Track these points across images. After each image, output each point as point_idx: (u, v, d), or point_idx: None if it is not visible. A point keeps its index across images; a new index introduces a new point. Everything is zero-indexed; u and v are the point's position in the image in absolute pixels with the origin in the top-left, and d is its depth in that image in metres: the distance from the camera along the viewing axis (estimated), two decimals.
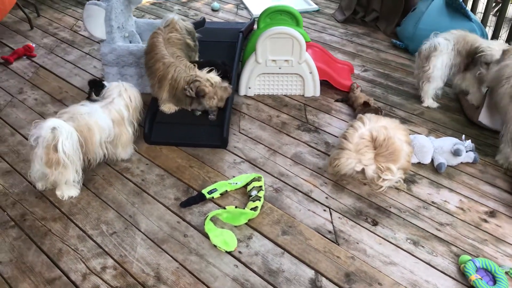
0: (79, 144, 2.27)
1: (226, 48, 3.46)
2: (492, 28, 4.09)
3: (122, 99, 2.58)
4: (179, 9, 4.98)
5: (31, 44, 3.97)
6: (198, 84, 2.69)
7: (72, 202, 2.39)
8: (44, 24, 4.54)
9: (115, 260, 2.08)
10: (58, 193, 2.40)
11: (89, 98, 2.86)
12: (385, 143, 2.46)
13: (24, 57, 3.87)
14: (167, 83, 2.78)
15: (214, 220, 2.27)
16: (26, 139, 2.86)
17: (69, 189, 2.40)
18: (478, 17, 4.16)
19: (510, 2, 4.01)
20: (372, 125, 2.53)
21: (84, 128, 2.32)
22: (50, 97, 3.32)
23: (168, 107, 2.92)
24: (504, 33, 3.98)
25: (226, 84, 2.82)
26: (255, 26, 3.95)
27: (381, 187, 2.48)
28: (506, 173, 2.63)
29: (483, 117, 2.93)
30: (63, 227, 2.25)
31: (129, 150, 2.68)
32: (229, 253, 2.13)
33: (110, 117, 2.47)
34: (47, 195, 2.44)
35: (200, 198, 2.41)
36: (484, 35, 3.77)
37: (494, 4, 4.32)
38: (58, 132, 2.16)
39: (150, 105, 2.95)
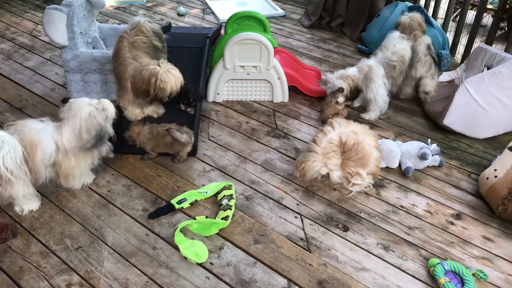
0: (24, 160, 2.09)
1: (193, 53, 3.41)
2: (452, 34, 4.22)
3: (69, 125, 2.26)
4: (144, 14, 4.88)
5: None
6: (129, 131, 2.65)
7: (34, 216, 2.28)
8: (1, 29, 4.35)
9: (81, 276, 2.00)
10: (16, 209, 2.26)
11: None
12: (354, 148, 2.48)
13: None
14: (127, 82, 2.71)
15: (184, 231, 2.22)
16: None
17: (28, 202, 2.27)
18: (439, 22, 4.28)
19: (469, 8, 4.15)
20: (341, 129, 2.55)
21: (27, 143, 2.13)
22: (9, 106, 3.17)
23: (134, 114, 2.84)
24: (464, 38, 4.11)
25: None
26: (222, 31, 3.92)
27: (351, 191, 2.50)
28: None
29: (449, 120, 3.00)
30: (24, 243, 2.14)
31: (72, 182, 2.39)
32: (200, 264, 2.08)
33: (55, 141, 2.22)
34: (6, 210, 2.31)
35: (169, 209, 2.35)
36: (445, 41, 3.88)
37: (453, 10, 4.45)
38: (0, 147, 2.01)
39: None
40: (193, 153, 2.75)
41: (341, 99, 3.05)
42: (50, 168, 2.25)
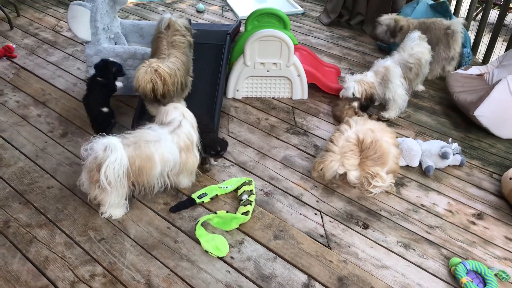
0: (127, 174, 2.11)
1: (213, 50, 3.43)
2: (474, 33, 4.17)
3: (188, 121, 2.37)
4: (163, 10, 4.92)
5: (11, 44, 3.86)
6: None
7: (58, 208, 2.33)
8: (24, 24, 4.43)
9: (104, 268, 2.03)
10: (101, 209, 2.27)
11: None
12: (372, 146, 2.47)
13: (4, 58, 3.76)
14: None
15: (204, 225, 2.24)
16: (8, 142, 2.78)
17: (113, 209, 2.27)
18: None
19: (491, 7, 4.09)
20: (358, 127, 2.55)
21: (143, 158, 2.15)
22: (33, 100, 3.23)
23: (154, 109, 2.86)
24: (486, 38, 4.06)
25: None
26: (242, 28, 3.94)
27: (371, 192, 2.49)
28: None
29: (480, 112, 2.93)
30: (49, 234, 2.19)
31: (193, 177, 2.49)
32: (221, 258, 2.10)
33: (178, 145, 2.28)
34: (32, 201, 2.37)
35: (190, 203, 2.38)
36: (466, 39, 3.84)
37: (475, 8, 4.40)
38: (107, 155, 2.03)
39: (137, 107, 2.90)
40: None
41: (355, 104, 3.03)
42: (172, 175, 2.32)
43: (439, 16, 3.81)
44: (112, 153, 2.02)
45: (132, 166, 2.12)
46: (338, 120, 3.11)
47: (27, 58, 3.80)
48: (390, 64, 3.08)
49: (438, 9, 3.86)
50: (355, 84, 2.98)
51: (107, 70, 2.82)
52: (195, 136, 2.38)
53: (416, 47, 3.18)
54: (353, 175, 2.50)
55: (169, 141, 2.26)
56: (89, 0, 3.09)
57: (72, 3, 3.05)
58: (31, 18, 4.57)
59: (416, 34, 3.29)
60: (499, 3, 5.01)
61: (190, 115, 2.43)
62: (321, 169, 2.50)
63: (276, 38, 3.06)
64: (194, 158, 2.38)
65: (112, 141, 2.06)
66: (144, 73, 2.54)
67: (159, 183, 2.29)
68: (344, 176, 2.54)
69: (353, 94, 2.98)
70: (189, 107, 2.87)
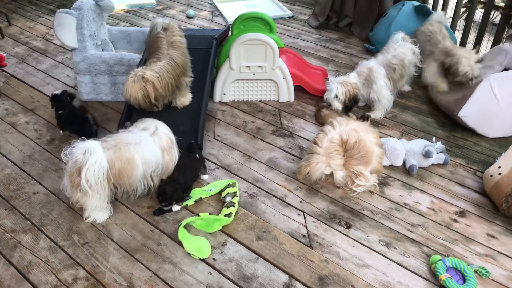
0: (107, 177, 2.14)
1: (201, 54, 3.46)
2: (461, 32, 4.19)
3: (162, 125, 2.44)
4: (153, 16, 4.96)
5: (2, 53, 3.90)
6: None
7: (43, 213, 2.35)
8: (15, 33, 4.47)
9: (87, 271, 2.05)
10: (85, 213, 2.28)
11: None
12: (356, 146, 2.49)
13: None
14: None
15: (188, 227, 2.26)
16: None
17: (96, 213, 2.28)
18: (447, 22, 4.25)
19: (477, 7, 4.11)
20: (342, 128, 2.57)
21: (123, 161, 2.18)
22: (21, 107, 3.26)
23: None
24: (472, 37, 4.08)
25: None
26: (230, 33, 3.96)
27: (355, 191, 2.51)
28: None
29: (464, 113, 2.95)
30: (34, 239, 2.21)
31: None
32: (203, 260, 2.12)
33: (160, 146, 2.33)
34: (17, 207, 2.39)
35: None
36: (453, 39, 3.86)
37: (464, 7, 4.42)
38: (86, 158, 2.05)
39: (124, 111, 2.93)
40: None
41: (338, 105, 3.05)
42: (155, 177, 2.34)
43: (423, 18, 3.84)
44: (92, 156, 2.05)
45: (112, 169, 2.14)
46: (321, 123, 3.13)
47: (17, 66, 3.83)
48: (373, 65, 3.11)
49: (421, 11, 3.89)
50: (338, 86, 3.01)
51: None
52: (173, 136, 2.41)
53: (399, 48, 3.20)
54: (339, 175, 2.52)
55: (150, 142, 2.29)
56: (75, 8, 3.13)
57: (58, 11, 3.09)
58: (22, 27, 4.61)
59: (400, 35, 3.32)
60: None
61: (161, 125, 2.46)
62: (308, 172, 2.51)
63: (260, 41, 3.09)
64: (174, 158, 2.41)
65: (91, 144, 2.08)
66: (132, 83, 2.61)
67: (142, 185, 2.31)
68: (328, 176, 2.56)
69: (336, 95, 3.01)
70: (174, 111, 2.94)
